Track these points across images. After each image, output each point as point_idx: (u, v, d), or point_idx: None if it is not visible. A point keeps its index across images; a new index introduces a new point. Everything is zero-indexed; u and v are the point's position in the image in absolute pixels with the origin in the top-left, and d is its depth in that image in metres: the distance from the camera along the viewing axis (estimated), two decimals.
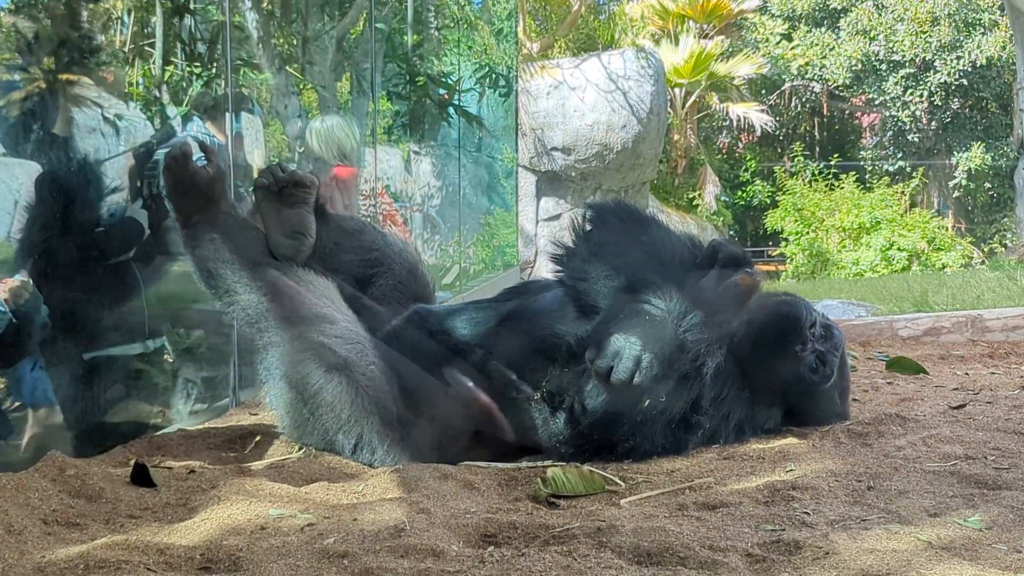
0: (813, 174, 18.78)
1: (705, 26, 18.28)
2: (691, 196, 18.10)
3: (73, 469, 2.12)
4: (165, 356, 3.21)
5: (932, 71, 19.25)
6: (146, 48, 3.68)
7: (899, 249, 15.89)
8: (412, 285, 2.85)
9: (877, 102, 20.23)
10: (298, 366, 2.48)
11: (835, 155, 19.68)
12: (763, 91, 20.78)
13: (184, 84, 3.90)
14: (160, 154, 2.97)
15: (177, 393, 3.28)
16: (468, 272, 9.06)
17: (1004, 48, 18.31)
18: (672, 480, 2.23)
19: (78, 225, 2.81)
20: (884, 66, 19.65)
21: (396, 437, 2.48)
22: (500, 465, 2.40)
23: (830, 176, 18.29)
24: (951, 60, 18.96)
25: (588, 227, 2.70)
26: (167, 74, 3.80)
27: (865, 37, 19.65)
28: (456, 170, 8.92)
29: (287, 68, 5.36)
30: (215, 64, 3.98)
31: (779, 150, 21.63)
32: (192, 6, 3.98)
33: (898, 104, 19.75)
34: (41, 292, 2.55)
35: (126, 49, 3.53)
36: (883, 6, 19.63)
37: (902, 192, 18.75)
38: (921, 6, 19.05)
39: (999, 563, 1.56)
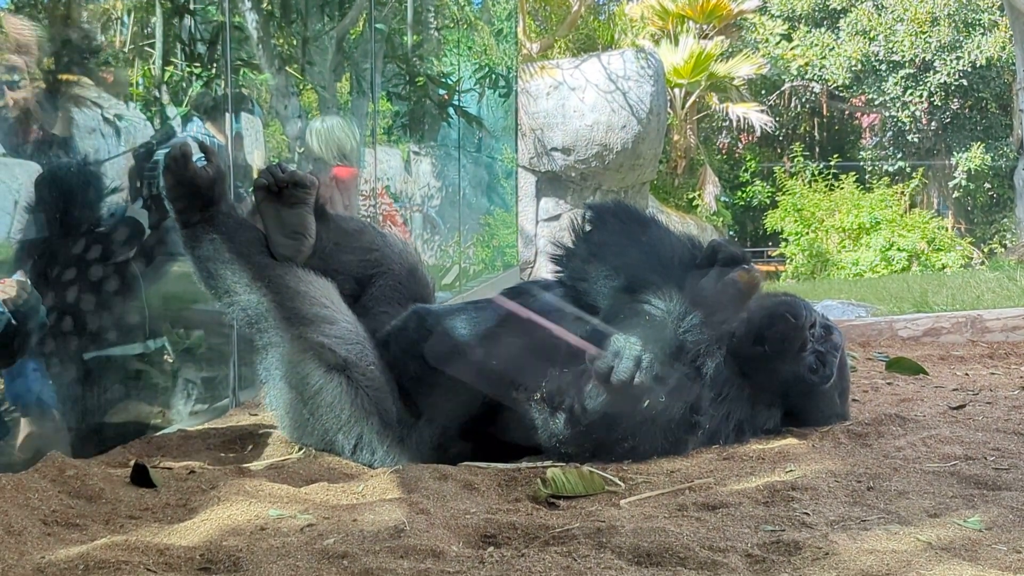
0: (813, 174, 18.78)
1: (705, 26, 18.29)
2: (691, 196, 18.11)
3: (73, 470, 2.12)
4: (165, 356, 3.21)
5: (932, 71, 19.26)
6: (146, 48, 3.68)
7: (899, 249, 15.90)
8: (412, 285, 2.85)
9: (877, 102, 20.24)
10: (298, 367, 2.48)
11: (835, 155, 19.69)
12: (763, 91, 20.78)
13: (184, 84, 3.90)
14: (160, 154, 2.96)
15: (177, 393, 3.28)
16: (468, 272, 9.06)
17: (1004, 48, 18.31)
18: (672, 480, 2.23)
19: (78, 225, 2.81)
20: (884, 66, 19.65)
21: (396, 437, 2.49)
22: (500, 465, 2.40)
23: (830, 176, 18.29)
24: (951, 60, 18.97)
25: (588, 227, 2.70)
26: (167, 74, 3.80)
27: (865, 37, 19.65)
28: (456, 170, 8.92)
29: (287, 68, 5.36)
30: (215, 64, 3.98)
31: (779, 150, 21.64)
32: (192, 6, 3.98)
33: (898, 104, 19.75)
34: (41, 292, 2.55)
35: (126, 49, 3.53)
36: (883, 6, 19.63)
37: (902, 192, 18.76)
38: (921, 6, 19.05)
39: (999, 563, 1.56)
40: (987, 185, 20.02)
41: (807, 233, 16.97)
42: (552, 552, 1.66)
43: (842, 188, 17.69)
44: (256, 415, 3.17)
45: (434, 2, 8.58)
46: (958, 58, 18.90)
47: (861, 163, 20.68)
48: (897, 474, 2.18)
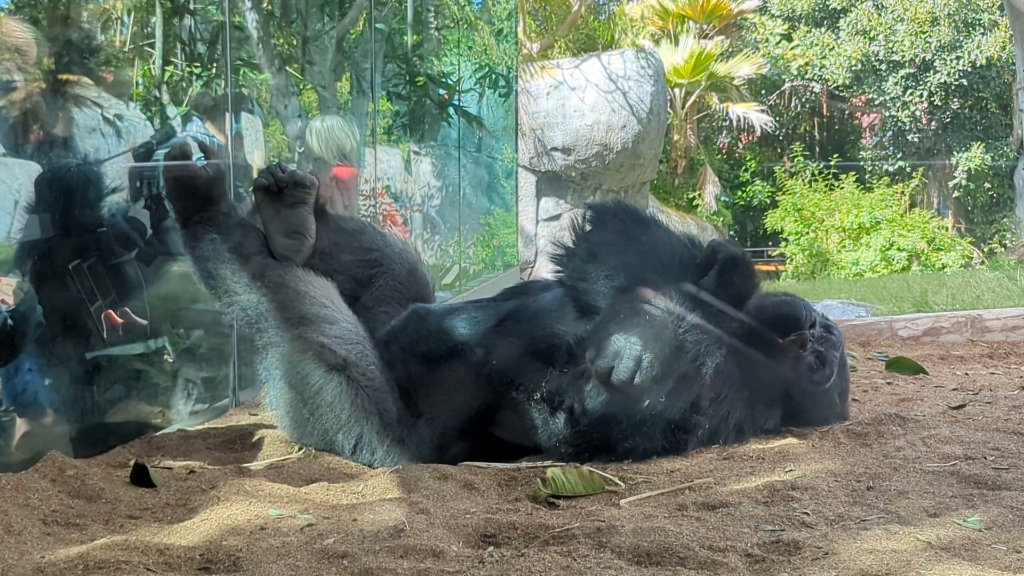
0: (813, 174, 18.76)
1: (705, 26, 18.28)
2: (691, 196, 18.10)
3: (73, 469, 2.12)
4: (165, 356, 3.21)
5: (932, 71, 19.25)
6: (146, 48, 3.69)
7: (899, 249, 15.89)
8: (412, 285, 2.85)
9: (877, 102, 20.23)
10: (298, 366, 2.48)
11: (835, 155, 19.66)
12: (763, 91, 20.77)
13: (184, 84, 3.91)
14: (160, 154, 2.96)
15: (177, 393, 3.28)
16: (468, 272, 9.06)
17: (1004, 48, 18.30)
18: (672, 480, 2.23)
19: (80, 224, 2.81)
20: (884, 66, 19.64)
21: (396, 437, 2.49)
22: (500, 465, 2.40)
23: (830, 176, 18.27)
24: (951, 60, 18.96)
25: (588, 227, 2.70)
26: (167, 74, 3.80)
27: (865, 37, 19.64)
28: (456, 170, 8.92)
29: (287, 68, 5.36)
30: (215, 64, 3.98)
31: (779, 150, 21.62)
32: (192, 6, 3.99)
33: (898, 104, 19.74)
34: (42, 292, 2.56)
35: (126, 49, 3.53)
36: (883, 6, 19.62)
37: (902, 192, 18.74)
38: (921, 6, 19.04)
39: (998, 563, 1.56)
40: (987, 185, 20.01)
41: (807, 233, 16.95)
42: (552, 552, 1.66)
43: (842, 188, 17.68)
44: (256, 415, 3.17)
45: (434, 2, 8.58)
46: (958, 58, 18.89)
47: (861, 163, 20.67)
48: (897, 474, 2.18)
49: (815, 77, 20.45)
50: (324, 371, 2.46)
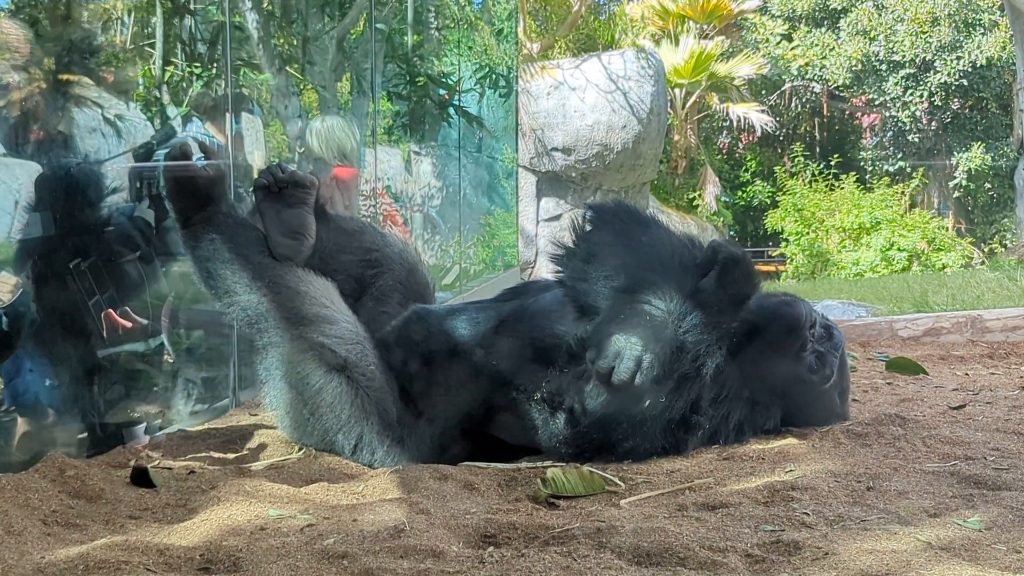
0: (813, 174, 18.76)
1: (705, 26, 18.28)
2: (691, 196, 18.10)
3: (73, 470, 2.12)
4: (165, 356, 3.21)
5: (932, 71, 19.24)
6: (146, 48, 3.69)
7: (899, 249, 15.88)
8: (412, 285, 2.85)
9: (877, 102, 20.22)
10: (298, 367, 2.48)
11: (835, 155, 19.65)
12: (763, 91, 20.76)
13: (184, 84, 3.91)
14: (160, 154, 2.97)
15: (177, 393, 3.28)
16: (468, 272, 9.06)
17: (1004, 48, 18.29)
18: (672, 481, 2.23)
19: (81, 224, 2.81)
20: (884, 66, 19.64)
21: (396, 438, 2.49)
22: (500, 465, 2.40)
23: (830, 176, 18.26)
24: (951, 60, 18.95)
25: (588, 228, 2.70)
26: (167, 74, 3.80)
27: (865, 37, 19.64)
28: (456, 170, 8.92)
29: (287, 68, 5.36)
30: (215, 64, 3.99)
31: (779, 150, 21.62)
32: (192, 6, 3.99)
33: (898, 104, 19.74)
34: (43, 291, 2.56)
35: (126, 49, 3.53)
36: (883, 6, 19.61)
37: (902, 192, 18.72)
38: (921, 6, 19.03)
39: (998, 563, 1.56)
40: (987, 185, 20.01)
41: (807, 233, 16.95)
42: (552, 552, 1.66)
43: (842, 188, 17.68)
44: (256, 415, 3.17)
45: (434, 2, 8.58)
46: (958, 58, 18.88)
47: (861, 163, 20.67)
48: (897, 474, 2.18)
49: (815, 77, 20.45)
50: (324, 371, 2.46)
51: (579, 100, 13.61)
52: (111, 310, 2.69)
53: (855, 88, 20.36)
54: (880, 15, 19.56)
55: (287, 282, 2.55)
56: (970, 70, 18.94)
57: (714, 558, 1.62)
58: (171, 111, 3.75)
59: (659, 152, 14.96)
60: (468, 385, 2.55)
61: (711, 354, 2.39)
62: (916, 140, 20.14)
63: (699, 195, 18.00)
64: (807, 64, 20.16)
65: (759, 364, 2.57)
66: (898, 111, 19.79)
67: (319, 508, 1.96)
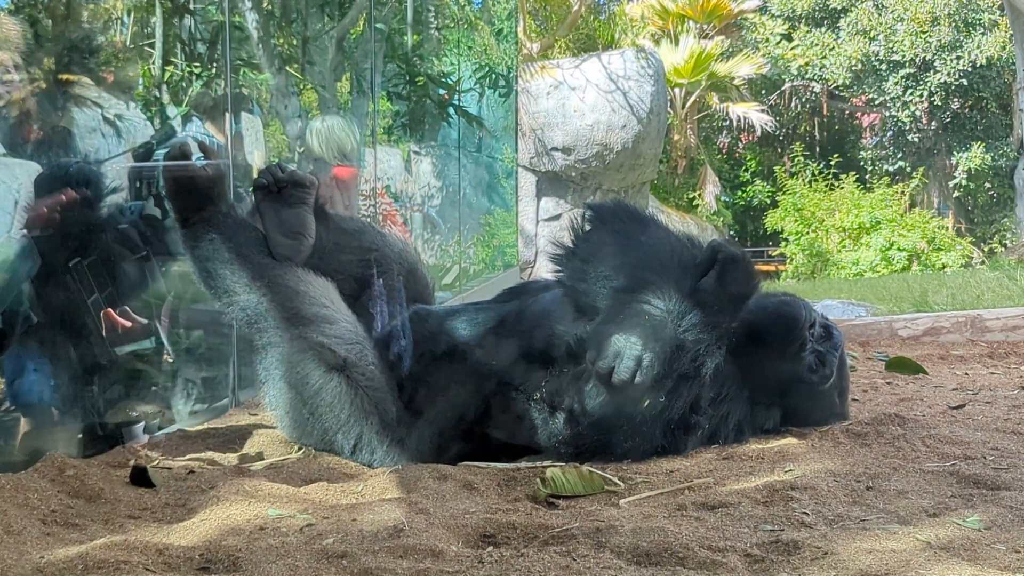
0: (813, 174, 18.76)
1: (705, 26, 18.28)
2: (691, 196, 18.10)
3: (72, 469, 2.12)
4: (165, 356, 3.21)
5: (932, 71, 19.24)
6: (146, 48, 3.69)
7: (899, 249, 15.88)
8: (412, 285, 2.85)
9: (877, 102, 20.22)
10: (297, 366, 2.48)
11: (835, 155, 19.66)
12: (763, 91, 20.77)
13: (184, 84, 3.91)
14: (160, 154, 2.97)
15: (177, 393, 3.28)
16: (468, 272, 9.06)
17: (1004, 48, 18.29)
18: (671, 480, 2.23)
19: (80, 224, 2.80)
20: (884, 66, 19.64)
21: (395, 437, 2.49)
22: (499, 465, 2.40)
23: (830, 176, 18.27)
24: (951, 60, 18.95)
25: (587, 227, 2.70)
26: (167, 74, 3.80)
27: (865, 37, 19.64)
28: (456, 170, 8.92)
29: (287, 68, 5.36)
30: (215, 64, 3.99)
31: (779, 150, 21.62)
32: (192, 6, 3.99)
33: (898, 104, 19.74)
34: (49, 291, 2.56)
35: (126, 49, 3.53)
36: (883, 6, 19.61)
37: (902, 192, 18.73)
38: (921, 6, 19.03)
39: (998, 563, 1.56)
40: (987, 185, 20.01)
41: (807, 233, 16.95)
42: (551, 552, 1.66)
43: (842, 188, 17.68)
44: (256, 415, 3.17)
45: (434, 2, 8.58)
46: (958, 58, 18.88)
47: (861, 163, 20.67)
48: (896, 474, 2.18)
49: (815, 77, 20.45)
50: (324, 371, 2.46)
51: (579, 100, 13.60)
52: (110, 309, 2.68)
53: (855, 88, 20.36)
54: (880, 15, 19.56)
55: (286, 282, 2.55)
56: (970, 70, 18.94)
57: (713, 558, 1.62)
58: (171, 111, 3.76)
59: (659, 152, 14.96)
60: (468, 385, 2.55)
61: (710, 354, 2.39)
62: (916, 140, 20.14)
63: (699, 195, 18.00)
64: (807, 64, 20.16)
65: (759, 364, 2.57)
66: (898, 111, 19.79)
67: (318, 508, 1.96)
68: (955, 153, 19.71)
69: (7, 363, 2.61)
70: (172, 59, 3.83)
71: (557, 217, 13.68)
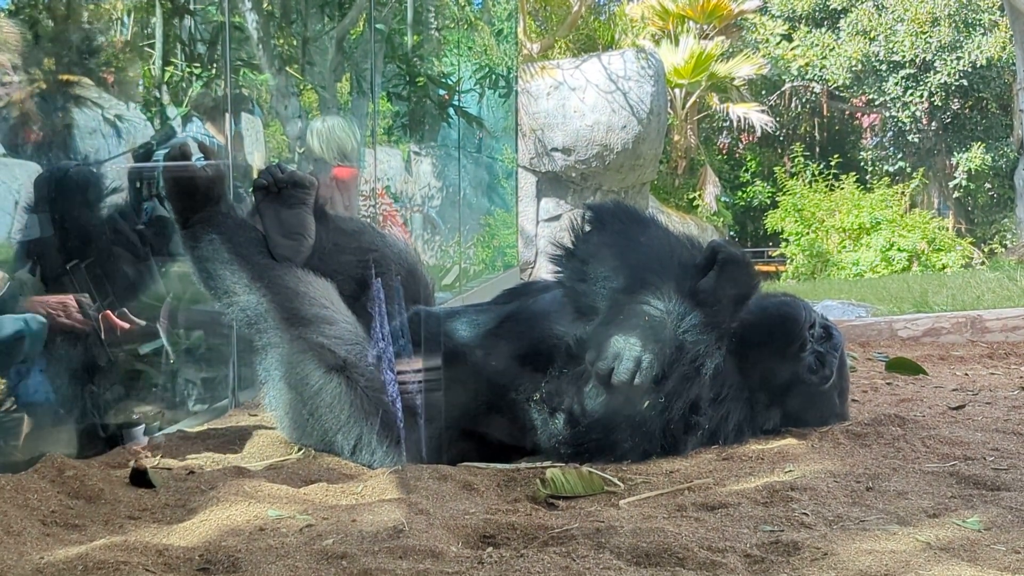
0: (813, 175, 18.77)
1: (705, 27, 18.28)
2: (691, 197, 18.10)
3: (72, 470, 2.12)
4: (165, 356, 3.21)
5: (932, 71, 19.25)
6: (146, 48, 3.69)
7: (899, 250, 15.88)
8: (412, 286, 2.85)
9: (877, 103, 20.22)
10: (297, 367, 2.48)
11: (835, 156, 19.65)
12: (763, 92, 20.77)
13: (184, 84, 3.91)
14: (160, 154, 2.97)
15: (177, 393, 3.28)
16: (468, 273, 9.06)
17: (1004, 48, 18.30)
18: (671, 481, 2.23)
19: (81, 225, 2.80)
20: (884, 66, 19.64)
21: (395, 438, 2.49)
22: (499, 466, 2.40)
23: (830, 177, 18.27)
24: (951, 60, 18.95)
25: (587, 228, 2.70)
26: (167, 74, 3.80)
27: (865, 38, 19.64)
28: (456, 171, 8.92)
29: (287, 69, 5.37)
30: (215, 65, 3.99)
31: (779, 151, 21.62)
32: (192, 6, 3.99)
33: (898, 104, 19.74)
34: (44, 292, 2.56)
35: (126, 49, 3.53)
36: (883, 6, 19.62)
37: (902, 192, 18.72)
38: (921, 6, 19.04)
39: (998, 564, 1.56)
40: (987, 185, 20.01)
41: (807, 233, 16.95)
42: (551, 552, 1.66)
43: (842, 188, 17.68)
44: (256, 415, 3.17)
45: (434, 2, 8.58)
46: (958, 58, 18.88)
47: (861, 163, 20.67)
48: (896, 474, 2.18)
49: (815, 77, 20.45)
50: (323, 372, 2.46)
51: (579, 100, 13.60)
52: (109, 311, 2.68)
53: (855, 88, 20.36)
54: (880, 15, 19.56)
55: (286, 282, 2.55)
56: (970, 70, 18.94)
57: (713, 558, 1.62)
58: (171, 111, 3.75)
59: (659, 152, 14.96)
60: (467, 386, 2.55)
61: (710, 354, 2.39)
62: (916, 140, 20.14)
63: (699, 195, 18.00)
64: (807, 64, 20.17)
65: (758, 364, 2.57)
66: (898, 111, 19.79)
67: (318, 508, 1.96)
68: (955, 153, 19.71)
69: (16, 363, 2.60)
70: (172, 59, 3.83)
71: (557, 218, 13.68)
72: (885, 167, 20.32)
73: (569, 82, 13.67)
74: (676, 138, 17.98)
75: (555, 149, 13.68)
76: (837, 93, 21.14)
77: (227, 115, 3.82)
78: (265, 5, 5.23)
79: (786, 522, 1.84)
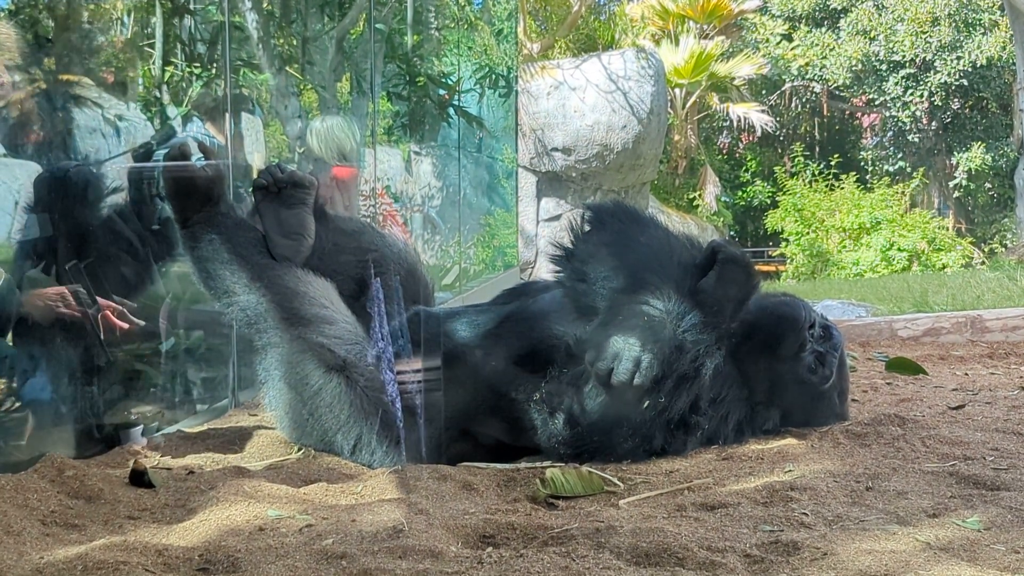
0: (813, 174, 18.77)
1: (705, 26, 18.28)
2: (691, 196, 18.10)
3: (72, 470, 2.12)
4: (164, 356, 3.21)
5: (932, 71, 19.25)
6: (146, 48, 3.69)
7: (899, 249, 15.89)
8: (411, 286, 2.85)
9: (877, 102, 20.22)
10: (297, 367, 2.48)
11: (835, 155, 19.66)
12: (763, 91, 20.77)
13: (184, 84, 3.91)
14: (160, 154, 2.97)
15: (176, 393, 3.28)
16: (468, 273, 9.06)
17: (1004, 48, 18.29)
18: (671, 481, 2.23)
19: (80, 225, 2.80)
20: (884, 66, 19.64)
21: (395, 438, 2.49)
22: (499, 466, 2.40)
23: (830, 176, 18.27)
24: (951, 60, 18.95)
25: (587, 228, 2.70)
26: (167, 74, 3.80)
27: (865, 37, 19.64)
28: (456, 171, 8.92)
29: (287, 69, 5.37)
30: (215, 65, 3.98)
31: (779, 150, 21.62)
32: (192, 6, 3.99)
33: (898, 104, 19.74)
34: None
35: (126, 49, 3.53)
36: (883, 6, 19.62)
37: (902, 192, 18.73)
38: (921, 6, 19.03)
39: (997, 564, 1.56)
40: (988, 185, 20.00)
41: (807, 233, 16.96)
42: (551, 552, 1.66)
43: (842, 188, 17.68)
44: (256, 415, 3.17)
45: (434, 2, 8.58)
46: (958, 58, 18.88)
47: (861, 163, 20.67)
48: (896, 474, 2.18)
49: (815, 77, 20.45)
50: (323, 372, 2.46)
51: (579, 100, 13.60)
52: (108, 312, 2.68)
53: (855, 88, 20.36)
54: (880, 15, 19.56)
55: (286, 282, 2.55)
56: (970, 70, 18.94)
57: (713, 558, 1.62)
58: (171, 111, 3.75)
59: (659, 152, 14.96)
60: (467, 386, 2.55)
61: (710, 354, 2.39)
62: (916, 140, 20.14)
63: (699, 195, 18.01)
64: (807, 64, 20.17)
65: (758, 364, 2.57)
66: (898, 111, 19.79)
67: (318, 508, 1.96)
68: (955, 153, 19.71)
69: (18, 362, 2.61)
70: (172, 59, 3.83)
71: (557, 217, 13.68)
72: (885, 167, 20.32)
73: (569, 82, 13.67)
74: (676, 138, 17.98)
75: (555, 149, 13.68)
76: (837, 93, 21.14)
77: (227, 115, 3.82)
78: (265, 5, 5.23)
79: (786, 522, 1.84)
